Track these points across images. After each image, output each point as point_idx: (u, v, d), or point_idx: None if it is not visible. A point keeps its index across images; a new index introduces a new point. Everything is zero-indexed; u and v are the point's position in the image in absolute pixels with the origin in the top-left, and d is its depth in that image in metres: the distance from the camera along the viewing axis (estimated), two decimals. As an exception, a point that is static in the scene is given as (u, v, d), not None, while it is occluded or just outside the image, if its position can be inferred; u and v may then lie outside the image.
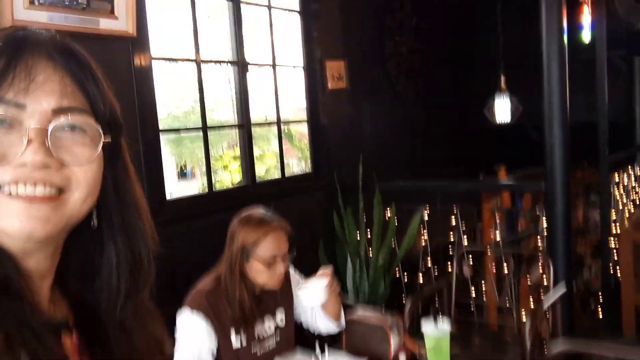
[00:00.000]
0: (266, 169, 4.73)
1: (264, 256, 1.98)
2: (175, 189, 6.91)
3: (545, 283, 3.11)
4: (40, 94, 0.61)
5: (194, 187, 8.63)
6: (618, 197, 5.11)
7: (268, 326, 2.08)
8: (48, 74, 0.62)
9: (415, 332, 2.16)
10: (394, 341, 2.13)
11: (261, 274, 2.00)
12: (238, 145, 3.27)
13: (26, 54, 0.61)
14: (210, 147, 3.06)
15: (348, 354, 2.16)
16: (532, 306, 3.38)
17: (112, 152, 0.69)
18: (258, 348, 2.03)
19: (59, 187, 0.62)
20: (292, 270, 2.22)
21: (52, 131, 0.61)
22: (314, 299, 2.04)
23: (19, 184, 0.60)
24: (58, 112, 0.62)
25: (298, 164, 4.76)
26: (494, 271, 3.78)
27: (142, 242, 0.73)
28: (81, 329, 0.70)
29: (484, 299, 3.87)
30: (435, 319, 2.04)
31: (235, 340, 1.98)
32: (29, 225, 0.60)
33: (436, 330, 1.98)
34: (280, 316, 2.12)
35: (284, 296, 2.15)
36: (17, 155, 0.60)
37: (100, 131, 0.65)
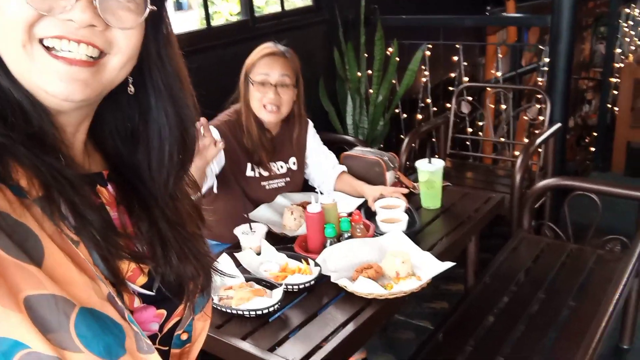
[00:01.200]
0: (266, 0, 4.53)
1: (255, 78, 2.01)
2: (172, 22, 6.68)
3: (542, 119, 3.16)
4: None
5: (194, 19, 8.34)
6: (626, 29, 4.97)
7: (280, 166, 2.17)
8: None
9: (413, 169, 2.25)
10: (389, 176, 2.23)
11: (254, 98, 2.02)
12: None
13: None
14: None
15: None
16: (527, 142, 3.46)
17: (155, 21, 0.68)
18: (267, 183, 2.14)
19: (100, 50, 0.62)
20: (311, 127, 2.26)
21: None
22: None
23: (63, 40, 0.60)
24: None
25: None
26: (492, 107, 3.82)
27: (188, 111, 0.74)
28: (117, 182, 0.73)
29: (481, 135, 3.95)
30: (431, 156, 2.12)
31: (249, 169, 2.09)
32: (68, 87, 0.61)
33: (429, 165, 2.07)
34: (292, 160, 2.20)
35: (297, 146, 2.21)
36: (64, 9, 0.59)
37: None
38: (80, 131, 0.70)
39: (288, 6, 3.51)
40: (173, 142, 0.73)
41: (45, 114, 0.62)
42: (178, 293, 0.74)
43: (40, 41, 0.60)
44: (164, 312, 0.73)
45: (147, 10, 0.65)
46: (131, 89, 0.70)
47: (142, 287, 0.70)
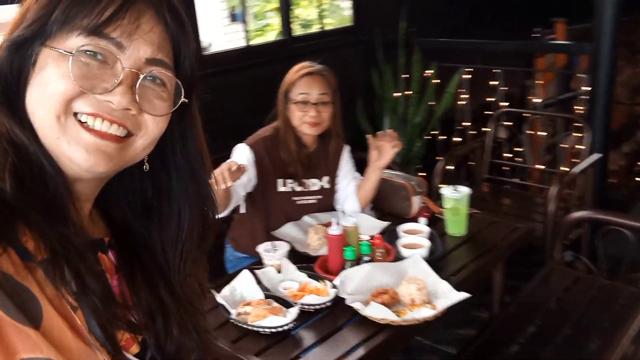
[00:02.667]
0: (305, 21, 4.60)
1: (296, 98, 2.07)
2: (227, 30, 6.89)
3: (583, 148, 3.09)
4: (141, 41, 0.65)
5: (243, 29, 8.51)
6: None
7: (313, 183, 2.21)
8: (152, 25, 0.66)
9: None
10: (415, 200, 2.23)
11: (295, 116, 2.08)
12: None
13: (139, 2, 0.65)
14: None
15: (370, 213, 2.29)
16: (564, 170, 3.39)
17: (183, 108, 0.71)
18: (298, 198, 2.18)
19: (128, 130, 0.66)
20: (347, 151, 2.29)
21: (141, 78, 0.65)
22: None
23: (97, 118, 0.64)
24: (151, 62, 0.66)
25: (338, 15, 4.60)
26: (532, 133, 3.76)
27: (208, 190, 0.77)
28: (118, 249, 0.74)
29: (519, 160, 3.89)
30: (466, 179, 2.11)
31: (281, 185, 2.13)
32: (93, 159, 0.64)
33: (454, 193, 2.07)
34: (326, 179, 2.24)
35: (332, 165, 2.25)
36: (106, 90, 0.63)
37: (182, 91, 0.69)
38: (90, 199, 0.72)
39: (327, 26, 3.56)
40: (193, 221, 0.75)
41: (62, 180, 0.65)
42: None
43: (75, 114, 0.63)
44: None
45: (180, 101, 0.69)
46: (147, 166, 0.73)
47: (135, 356, 0.70)
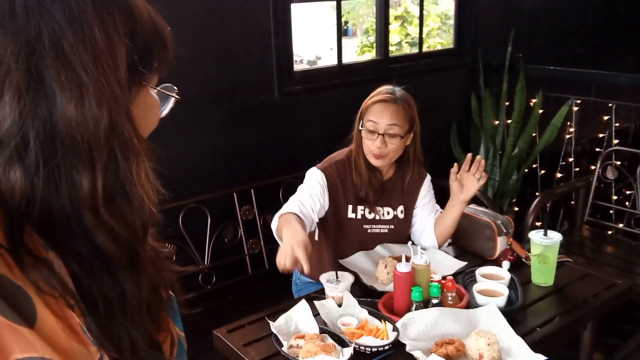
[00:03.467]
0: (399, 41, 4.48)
1: (365, 125, 1.98)
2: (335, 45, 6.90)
3: None
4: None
5: (354, 45, 8.55)
6: None
7: (387, 212, 2.10)
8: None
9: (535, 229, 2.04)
10: (500, 241, 2.05)
11: (364, 143, 1.99)
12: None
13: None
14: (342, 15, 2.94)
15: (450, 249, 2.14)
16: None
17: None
18: (370, 226, 2.08)
19: None
20: (428, 181, 2.16)
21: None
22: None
23: None
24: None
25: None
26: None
27: None
28: None
29: (626, 205, 3.52)
30: (564, 219, 1.91)
31: (351, 211, 2.04)
32: None
33: (543, 238, 1.87)
34: (401, 209, 2.12)
35: (409, 194, 2.13)
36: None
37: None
38: None
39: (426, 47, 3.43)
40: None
41: None
42: None
43: None
44: None
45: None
46: None
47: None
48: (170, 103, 0.72)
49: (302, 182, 2.05)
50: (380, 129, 1.95)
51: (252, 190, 2.65)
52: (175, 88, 0.72)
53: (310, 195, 1.95)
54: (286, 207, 1.88)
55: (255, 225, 2.67)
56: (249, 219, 2.65)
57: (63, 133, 0.56)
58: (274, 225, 1.87)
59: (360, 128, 2.01)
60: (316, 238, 2.06)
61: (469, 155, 1.99)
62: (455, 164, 2.01)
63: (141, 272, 0.63)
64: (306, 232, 1.78)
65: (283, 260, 1.62)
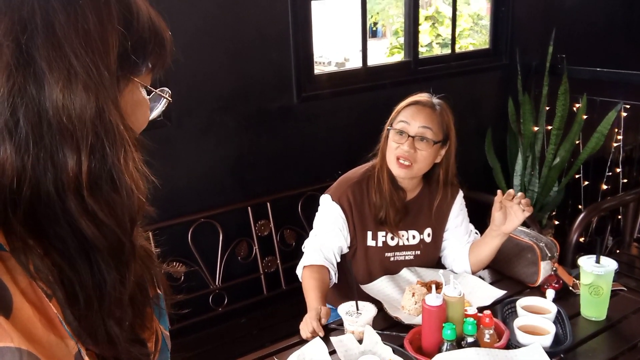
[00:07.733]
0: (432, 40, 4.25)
1: (395, 126, 1.79)
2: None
3: None
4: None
5: (384, 46, 8.36)
6: None
7: (412, 236, 1.88)
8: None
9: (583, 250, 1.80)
10: (543, 266, 1.81)
11: (389, 149, 1.79)
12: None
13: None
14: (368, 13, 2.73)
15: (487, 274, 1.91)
16: None
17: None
18: (392, 254, 1.87)
19: None
20: (460, 198, 1.95)
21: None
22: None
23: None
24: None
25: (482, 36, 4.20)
26: None
27: None
28: None
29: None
30: (612, 237, 1.67)
31: (370, 238, 1.84)
32: None
33: (596, 266, 1.62)
34: (428, 231, 1.91)
35: (438, 216, 1.91)
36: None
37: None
38: None
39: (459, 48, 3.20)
40: None
41: None
42: None
43: None
44: None
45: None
46: None
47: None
48: (162, 105, 0.73)
49: (322, 194, 1.86)
50: (411, 130, 1.75)
51: (268, 203, 2.47)
52: (169, 90, 0.72)
53: (333, 233, 1.81)
54: (309, 257, 1.79)
55: (271, 242, 2.48)
56: (265, 235, 2.46)
57: (50, 114, 0.56)
58: (299, 273, 1.81)
59: (388, 127, 1.81)
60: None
61: (510, 190, 1.77)
62: (499, 191, 1.78)
63: (127, 265, 0.63)
64: (328, 286, 1.76)
65: (304, 332, 1.60)
